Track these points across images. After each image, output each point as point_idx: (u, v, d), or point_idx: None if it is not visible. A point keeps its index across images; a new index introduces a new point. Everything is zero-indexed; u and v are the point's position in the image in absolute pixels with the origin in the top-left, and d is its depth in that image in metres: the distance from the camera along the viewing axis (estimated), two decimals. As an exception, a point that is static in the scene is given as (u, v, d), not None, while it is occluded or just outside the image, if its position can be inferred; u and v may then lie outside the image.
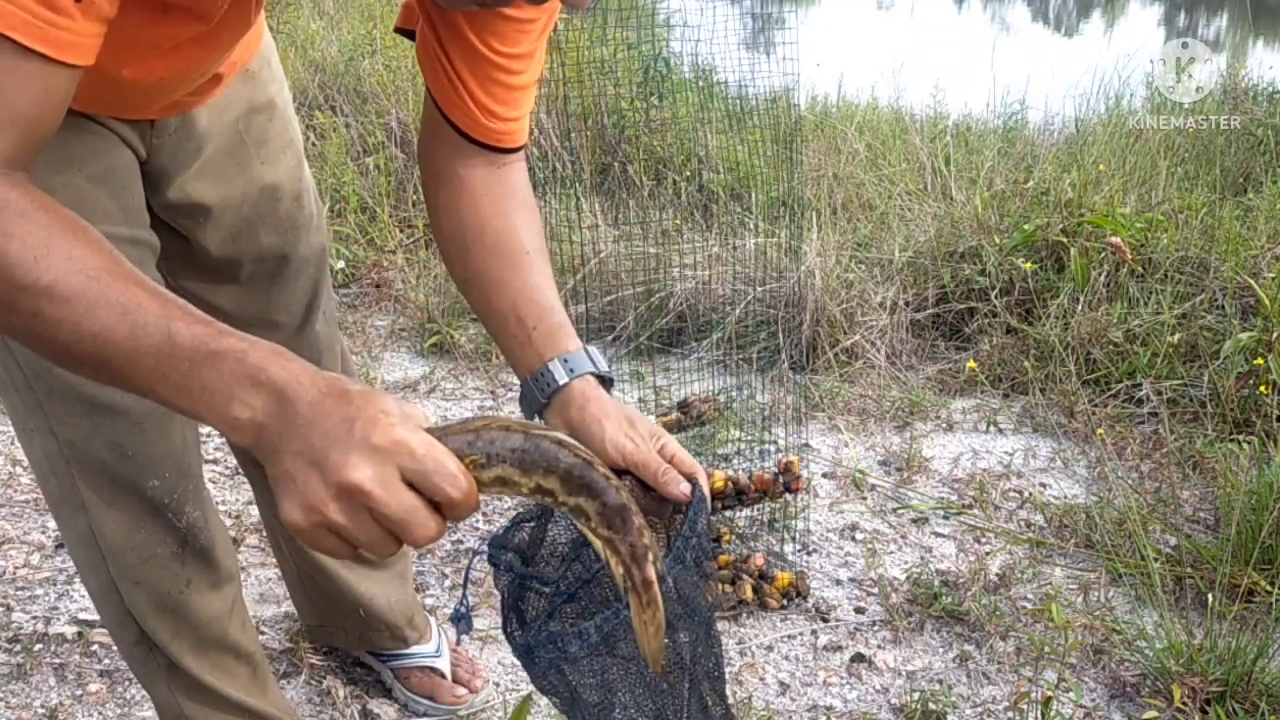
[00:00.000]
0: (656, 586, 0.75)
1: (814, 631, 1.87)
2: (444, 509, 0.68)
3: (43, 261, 0.69)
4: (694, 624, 0.84)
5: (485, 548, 0.87)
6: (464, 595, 0.91)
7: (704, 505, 0.87)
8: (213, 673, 1.31)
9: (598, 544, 0.75)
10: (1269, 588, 1.89)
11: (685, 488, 0.95)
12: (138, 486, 1.18)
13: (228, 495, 2.20)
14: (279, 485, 0.68)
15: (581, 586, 0.85)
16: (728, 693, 1.03)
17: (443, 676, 1.65)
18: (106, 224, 1.07)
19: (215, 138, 1.21)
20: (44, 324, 0.70)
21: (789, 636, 1.86)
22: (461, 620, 0.89)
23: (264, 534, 2.05)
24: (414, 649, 1.65)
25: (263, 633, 1.76)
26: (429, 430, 0.69)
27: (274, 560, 1.96)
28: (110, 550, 1.20)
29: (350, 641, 1.64)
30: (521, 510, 0.89)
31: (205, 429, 2.49)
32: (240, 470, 2.30)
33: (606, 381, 1.03)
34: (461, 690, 1.66)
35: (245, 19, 0.97)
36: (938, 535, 2.21)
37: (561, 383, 1.00)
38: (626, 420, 0.98)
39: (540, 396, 1.03)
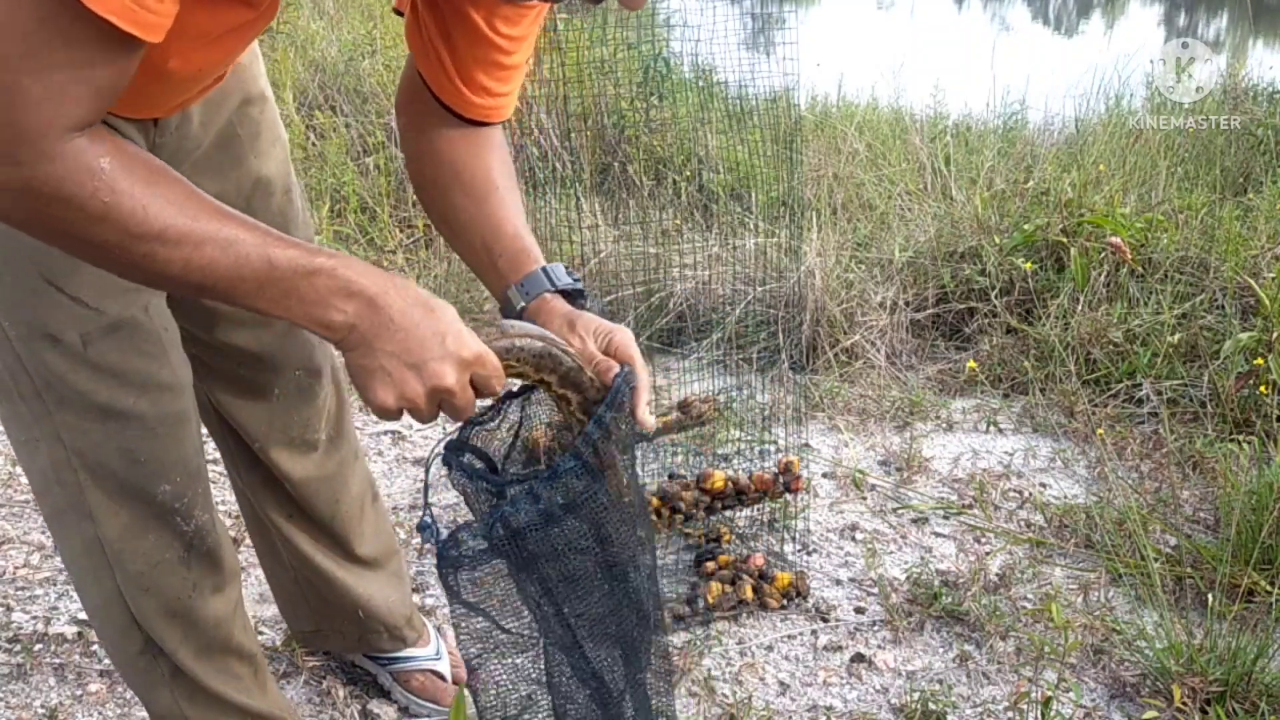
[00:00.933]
0: (618, 459, 1.00)
1: (814, 631, 1.87)
2: (483, 392, 0.92)
3: (150, 209, 0.79)
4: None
5: (440, 449, 0.97)
6: (425, 503, 0.96)
7: (629, 381, 1.00)
8: (217, 677, 1.30)
9: (575, 425, 1.01)
10: (1269, 588, 1.89)
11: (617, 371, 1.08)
12: (147, 492, 1.17)
13: (227, 495, 2.20)
14: (371, 375, 0.87)
15: (536, 479, 0.95)
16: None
17: (443, 679, 1.63)
18: None
19: (210, 133, 1.22)
20: (157, 263, 0.81)
21: (789, 636, 1.86)
22: (426, 530, 0.95)
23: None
24: (413, 651, 1.63)
25: (262, 633, 1.76)
26: (481, 338, 0.92)
27: (274, 560, 1.96)
28: (117, 558, 1.19)
29: (348, 645, 1.62)
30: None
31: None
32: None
33: (572, 294, 1.12)
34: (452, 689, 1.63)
35: (275, 7, 1.01)
36: (938, 535, 2.21)
37: (520, 306, 1.10)
38: (568, 322, 1.09)
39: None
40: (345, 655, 1.68)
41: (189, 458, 1.20)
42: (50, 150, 0.76)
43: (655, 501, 1.94)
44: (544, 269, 1.11)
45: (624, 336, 1.08)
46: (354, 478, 1.52)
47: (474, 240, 1.13)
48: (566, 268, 1.10)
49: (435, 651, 1.65)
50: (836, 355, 2.93)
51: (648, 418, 1.08)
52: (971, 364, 2.89)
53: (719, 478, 1.96)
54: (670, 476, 2.15)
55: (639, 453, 2.17)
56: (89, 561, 1.20)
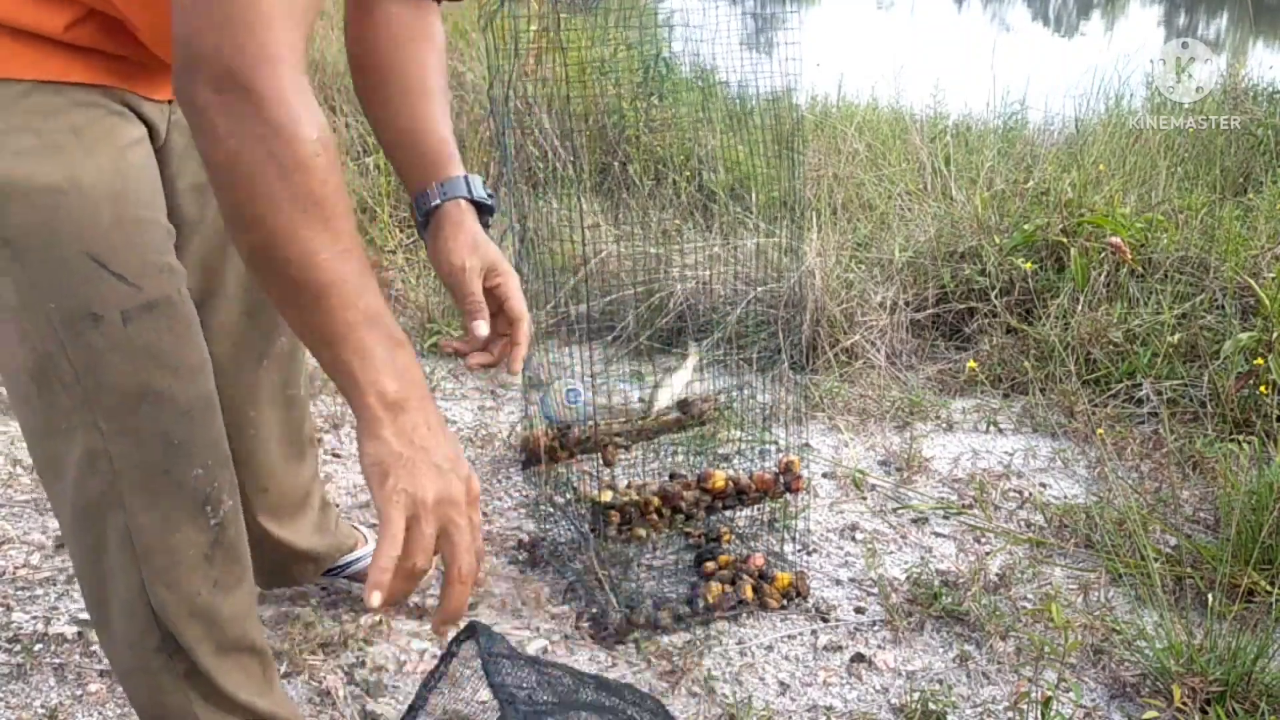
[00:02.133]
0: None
1: (814, 631, 1.87)
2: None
3: (330, 183, 0.84)
4: None
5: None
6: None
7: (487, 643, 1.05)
8: (231, 675, 1.29)
9: None
10: (1269, 588, 1.89)
11: (482, 329, 1.16)
12: (180, 478, 1.16)
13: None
14: (396, 461, 0.86)
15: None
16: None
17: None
18: (145, 209, 1.10)
19: None
20: (298, 242, 0.84)
21: (789, 636, 1.86)
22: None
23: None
24: (359, 553, 1.84)
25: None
26: None
27: (274, 560, 1.96)
28: (146, 551, 1.17)
29: (306, 576, 1.78)
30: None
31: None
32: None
33: (486, 209, 1.20)
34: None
35: None
36: (938, 535, 2.21)
37: (435, 203, 1.14)
38: (474, 246, 1.15)
39: (419, 214, 1.21)
40: (306, 581, 1.83)
41: (218, 441, 1.19)
42: (288, 78, 0.82)
43: (656, 500, 1.95)
44: (465, 177, 1.18)
45: (511, 284, 1.17)
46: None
47: (403, 135, 1.19)
48: (485, 183, 1.19)
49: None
50: (836, 355, 2.93)
51: (519, 367, 1.20)
52: (971, 364, 2.89)
53: (719, 477, 1.96)
54: (671, 476, 2.15)
55: (639, 451, 2.17)
56: (117, 556, 1.17)
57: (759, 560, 1.96)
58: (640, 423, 1.99)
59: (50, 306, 1.04)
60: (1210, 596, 1.84)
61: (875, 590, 1.99)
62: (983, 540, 2.19)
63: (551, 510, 2.09)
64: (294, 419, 1.56)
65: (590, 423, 1.91)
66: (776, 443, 2.22)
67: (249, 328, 1.41)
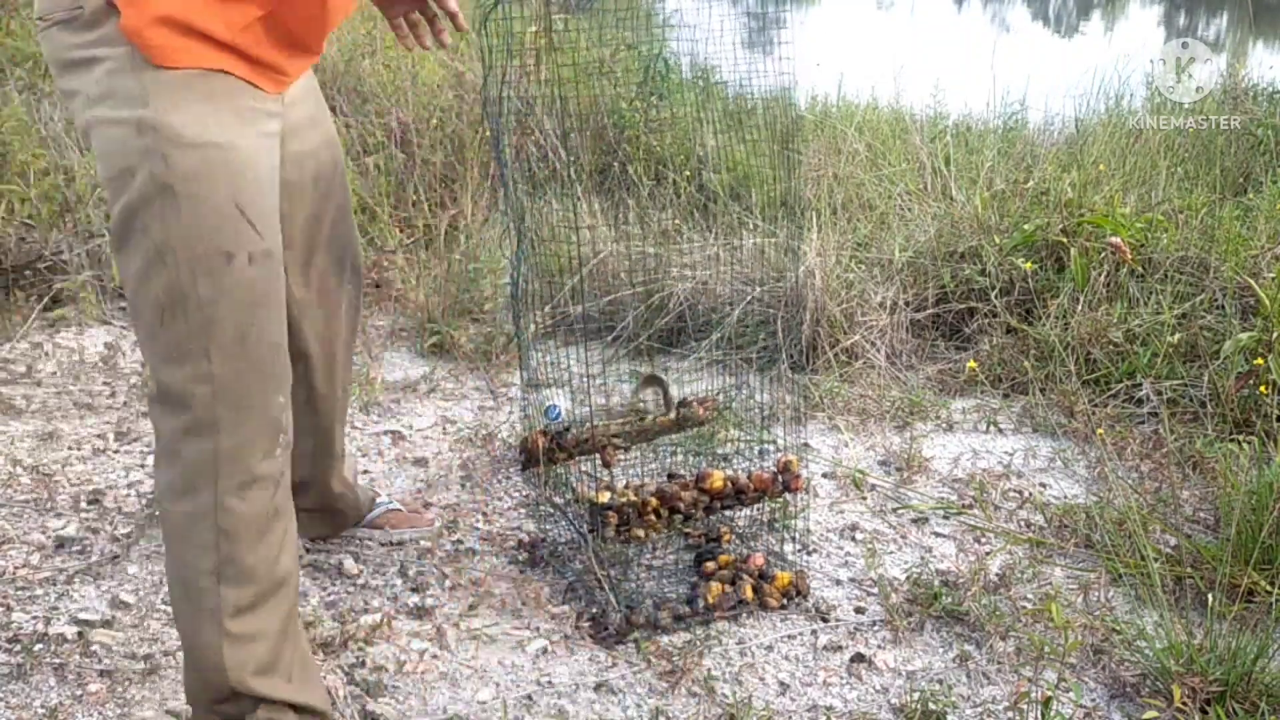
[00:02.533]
0: None
1: (814, 631, 1.87)
2: None
3: None
4: None
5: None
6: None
7: None
8: (265, 606, 1.38)
9: None
10: (1269, 588, 1.89)
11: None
12: (266, 405, 1.31)
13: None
14: None
15: None
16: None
17: (401, 511, 2.11)
18: (273, 175, 1.32)
19: (301, 102, 1.50)
20: None
21: (789, 636, 1.86)
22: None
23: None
24: (379, 505, 2.10)
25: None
26: None
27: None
28: (227, 469, 1.29)
29: (349, 523, 2.05)
30: None
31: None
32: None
33: None
34: (429, 515, 2.15)
35: None
36: (938, 535, 2.21)
37: None
38: None
39: None
40: (344, 530, 2.06)
41: (288, 376, 1.36)
42: None
43: (654, 501, 1.94)
44: None
45: None
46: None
47: None
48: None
49: (388, 498, 2.13)
50: (836, 355, 2.93)
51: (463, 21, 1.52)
52: (971, 364, 2.89)
53: (718, 477, 1.96)
54: (670, 476, 2.15)
55: (637, 452, 2.17)
56: (197, 476, 1.29)
57: (759, 560, 1.96)
58: (639, 424, 1.99)
59: (197, 247, 1.22)
60: (1210, 596, 1.84)
61: (875, 590, 1.99)
62: (983, 540, 2.19)
63: (551, 510, 2.09)
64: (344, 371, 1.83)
65: (589, 425, 1.91)
66: (776, 443, 2.22)
67: (338, 283, 1.71)
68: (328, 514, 2.02)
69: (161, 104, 1.19)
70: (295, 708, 1.43)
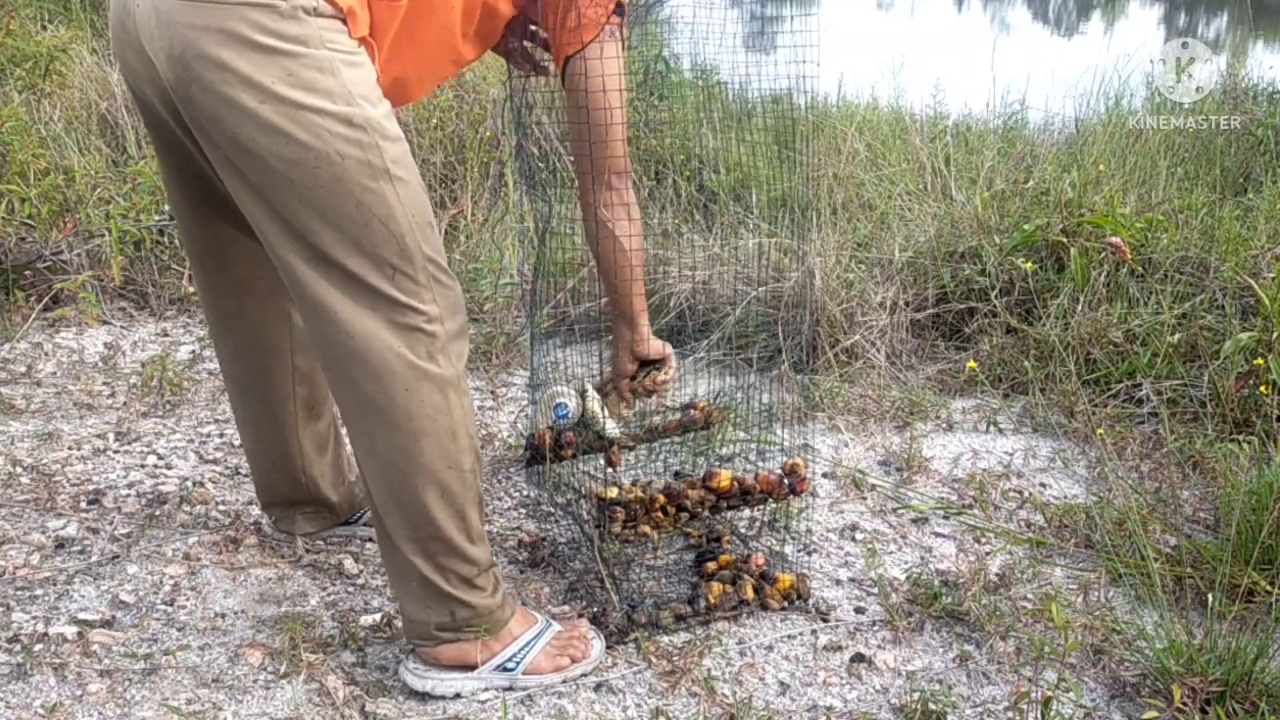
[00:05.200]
0: None
1: (814, 631, 1.87)
2: None
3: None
4: None
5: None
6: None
7: None
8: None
9: None
10: (1269, 588, 1.89)
11: None
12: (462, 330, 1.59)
13: (228, 495, 2.21)
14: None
15: None
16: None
17: None
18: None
19: None
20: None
21: (789, 636, 1.86)
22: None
23: (264, 534, 2.05)
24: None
25: (261, 632, 1.76)
26: None
27: (274, 560, 1.96)
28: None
29: (341, 518, 2.07)
30: None
31: (202, 432, 2.49)
32: (240, 471, 2.30)
33: None
34: None
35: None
36: (938, 535, 2.21)
37: None
38: None
39: None
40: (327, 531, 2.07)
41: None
42: None
43: (661, 499, 1.95)
44: None
45: None
46: None
47: None
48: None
49: None
50: (836, 355, 2.93)
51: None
52: (971, 364, 2.89)
53: (725, 477, 1.96)
54: (676, 474, 2.15)
55: (642, 453, 2.17)
56: (449, 394, 1.54)
57: (760, 560, 1.96)
58: (643, 424, 1.99)
59: (413, 216, 1.47)
60: (1210, 596, 1.84)
61: (875, 590, 1.99)
62: (983, 540, 2.19)
63: (552, 510, 2.09)
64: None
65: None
66: (779, 444, 2.22)
67: None
68: (322, 509, 2.02)
69: (363, 103, 1.41)
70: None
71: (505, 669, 1.65)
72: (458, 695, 1.63)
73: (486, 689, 1.65)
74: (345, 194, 1.42)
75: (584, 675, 1.68)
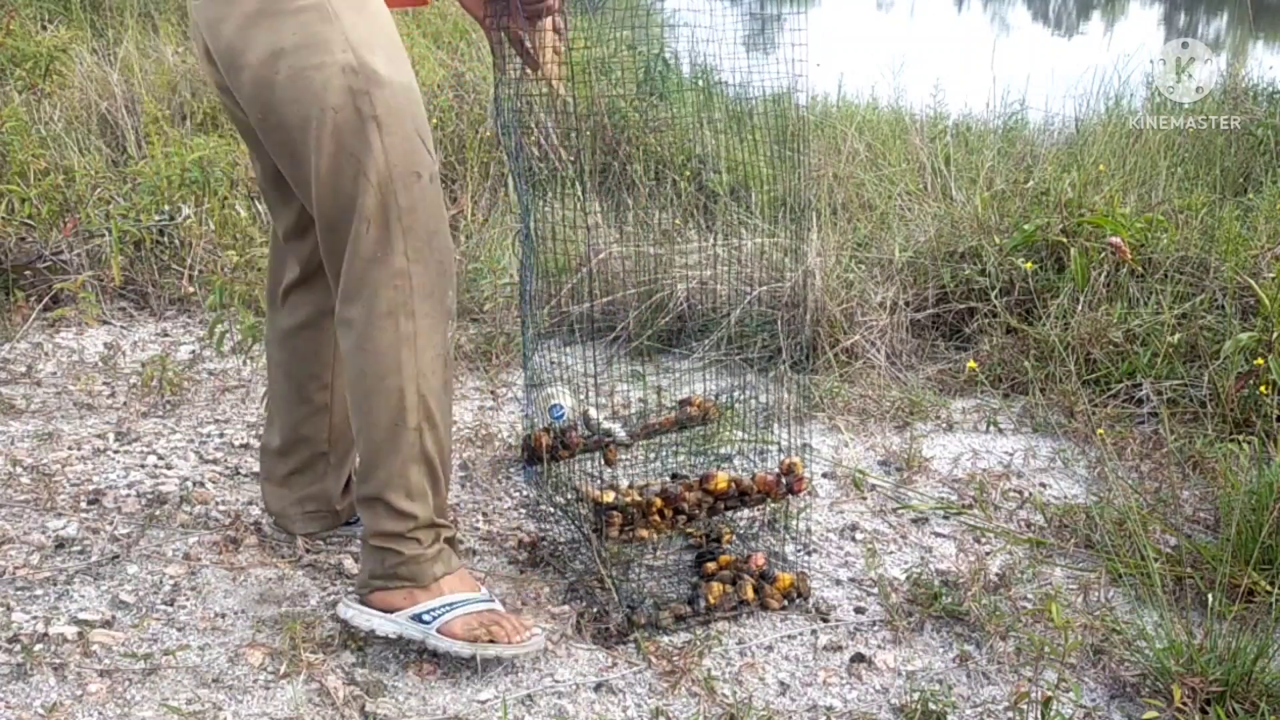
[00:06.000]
0: None
1: (814, 631, 1.87)
2: None
3: None
4: None
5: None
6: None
7: None
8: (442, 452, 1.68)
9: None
10: (1269, 588, 1.89)
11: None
12: (444, 296, 1.61)
13: (228, 495, 2.21)
14: None
15: None
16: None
17: None
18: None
19: None
20: None
21: (789, 636, 1.86)
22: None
23: (263, 534, 2.05)
24: None
25: (261, 632, 1.76)
26: None
27: (274, 560, 1.96)
28: (420, 349, 1.59)
29: (328, 521, 2.06)
30: None
31: (207, 430, 2.49)
32: (240, 471, 2.30)
33: None
34: None
35: None
36: (938, 535, 2.21)
37: None
38: None
39: None
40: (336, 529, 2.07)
41: (454, 277, 1.81)
42: None
43: (658, 502, 1.94)
44: None
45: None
46: None
47: None
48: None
49: None
50: (836, 355, 2.93)
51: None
52: (971, 364, 2.89)
53: (722, 479, 1.96)
54: (673, 476, 2.15)
55: (640, 452, 2.17)
56: (402, 352, 1.57)
57: (760, 560, 1.96)
58: (640, 422, 1.99)
59: (398, 166, 1.49)
60: (1210, 596, 1.84)
61: (875, 590, 1.99)
62: (983, 540, 2.19)
63: (551, 510, 2.09)
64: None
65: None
66: (779, 444, 2.23)
67: None
68: (324, 510, 2.02)
69: (360, 48, 1.45)
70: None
71: (422, 620, 1.68)
72: (372, 631, 1.69)
73: (400, 633, 1.69)
74: (339, 143, 1.50)
75: (499, 659, 1.69)
